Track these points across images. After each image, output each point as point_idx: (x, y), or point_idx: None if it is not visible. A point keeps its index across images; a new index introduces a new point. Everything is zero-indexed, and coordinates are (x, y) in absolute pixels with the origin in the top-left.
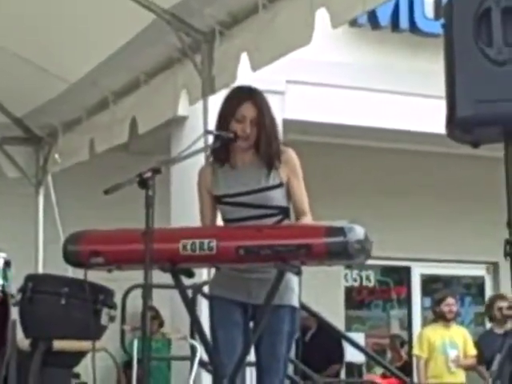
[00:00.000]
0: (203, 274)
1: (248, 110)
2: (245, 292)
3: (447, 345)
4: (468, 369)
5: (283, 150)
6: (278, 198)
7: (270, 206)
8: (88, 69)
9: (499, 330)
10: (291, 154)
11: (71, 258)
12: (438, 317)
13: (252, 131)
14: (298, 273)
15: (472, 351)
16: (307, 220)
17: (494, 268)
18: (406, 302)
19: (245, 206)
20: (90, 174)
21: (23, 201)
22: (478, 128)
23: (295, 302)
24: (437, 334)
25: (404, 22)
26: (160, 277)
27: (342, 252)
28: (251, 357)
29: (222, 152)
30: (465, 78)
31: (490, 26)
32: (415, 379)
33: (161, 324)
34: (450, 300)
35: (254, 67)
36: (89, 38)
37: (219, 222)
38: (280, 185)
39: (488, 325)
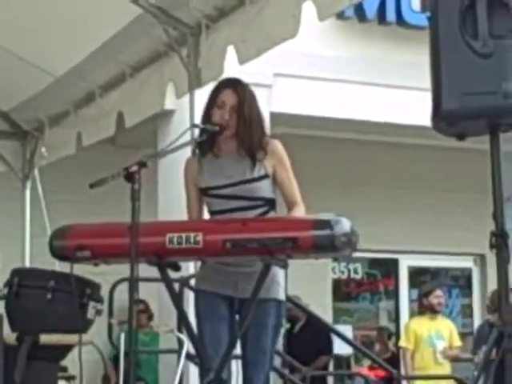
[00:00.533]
0: (190, 267)
1: (228, 96)
2: (231, 286)
3: (433, 337)
4: (454, 360)
5: (268, 142)
6: (263, 189)
7: (255, 198)
8: (74, 62)
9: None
10: (277, 145)
11: (57, 252)
12: (425, 309)
13: (231, 118)
14: (284, 266)
15: (457, 343)
16: (299, 210)
17: (481, 260)
18: (394, 294)
19: (230, 198)
20: (77, 168)
21: (10, 195)
22: (463, 121)
23: (281, 296)
24: (423, 326)
25: (391, 14)
26: (147, 270)
27: (328, 245)
28: (237, 350)
29: (206, 144)
30: (450, 70)
31: (475, 19)
32: (402, 371)
33: (150, 317)
34: (439, 292)
35: (242, 61)
36: (75, 31)
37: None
38: (265, 176)
39: (476, 317)
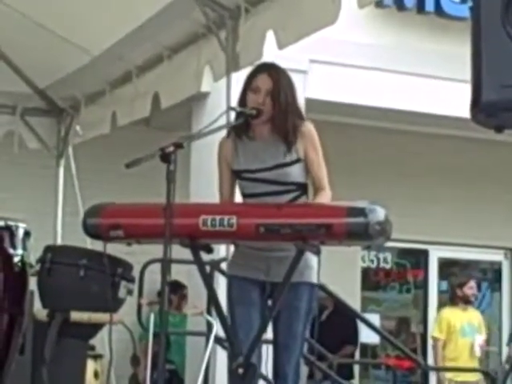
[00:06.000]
0: (221, 250)
1: (263, 81)
2: (263, 270)
3: (466, 328)
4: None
5: (300, 124)
6: (295, 174)
7: (288, 183)
8: (112, 42)
9: None
10: (309, 127)
11: (91, 231)
12: (459, 299)
13: (266, 103)
14: (317, 252)
15: (484, 335)
16: (324, 195)
17: (511, 254)
18: (423, 285)
19: (263, 182)
20: (111, 148)
21: (43, 172)
22: (503, 112)
23: (314, 279)
24: (456, 316)
25: (429, 4)
26: (177, 252)
27: (362, 233)
28: (268, 334)
29: (242, 127)
30: (491, 62)
31: None
32: (429, 361)
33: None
34: (473, 283)
35: (281, 46)
36: (114, 10)
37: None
38: (298, 160)
39: (505, 311)
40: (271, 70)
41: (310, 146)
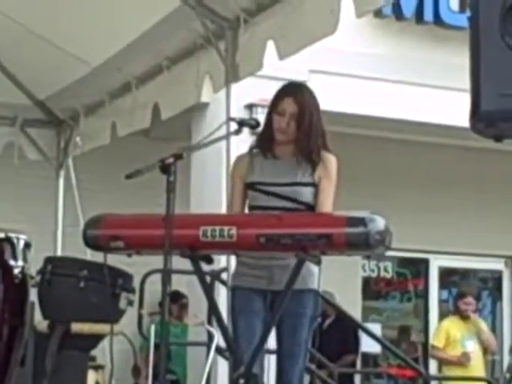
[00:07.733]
0: (221, 260)
1: (288, 105)
2: (266, 278)
3: (465, 337)
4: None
5: (325, 155)
6: (307, 195)
7: (301, 201)
8: (112, 53)
9: None
10: (331, 159)
11: (91, 242)
12: (456, 310)
13: (290, 126)
14: (318, 262)
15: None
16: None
17: None
18: (424, 294)
19: (276, 197)
20: (111, 158)
21: (44, 183)
22: (502, 122)
23: (317, 286)
24: (455, 326)
25: (428, 14)
26: (178, 262)
27: (362, 243)
28: (271, 344)
29: (266, 145)
30: (490, 71)
31: None
32: (431, 370)
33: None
34: (470, 299)
35: (281, 56)
36: (113, 21)
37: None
38: (311, 184)
39: (505, 319)
40: (297, 93)
41: (326, 176)
